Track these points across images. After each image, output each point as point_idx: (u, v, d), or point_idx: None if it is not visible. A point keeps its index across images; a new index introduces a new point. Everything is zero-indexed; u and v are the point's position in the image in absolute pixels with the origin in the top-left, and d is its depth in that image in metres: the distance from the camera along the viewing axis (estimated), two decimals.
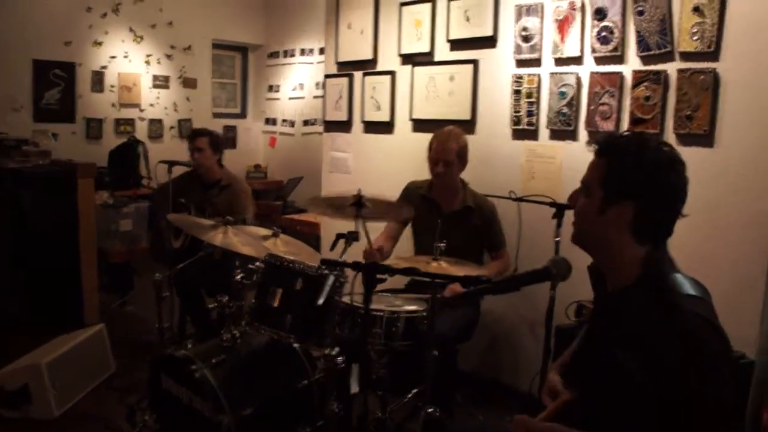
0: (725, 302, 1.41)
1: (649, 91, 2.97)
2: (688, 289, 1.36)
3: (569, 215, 2.73)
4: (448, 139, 3.15)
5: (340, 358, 2.41)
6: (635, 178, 1.40)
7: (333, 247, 2.56)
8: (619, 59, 3.08)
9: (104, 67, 6.37)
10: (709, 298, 1.40)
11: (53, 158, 4.70)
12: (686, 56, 2.86)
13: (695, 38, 2.80)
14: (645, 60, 3.00)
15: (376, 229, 3.23)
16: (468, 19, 3.68)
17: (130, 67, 6.59)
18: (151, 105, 6.81)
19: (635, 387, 1.30)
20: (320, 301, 2.26)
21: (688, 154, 1.59)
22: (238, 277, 2.78)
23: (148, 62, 6.72)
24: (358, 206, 2.51)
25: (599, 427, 1.40)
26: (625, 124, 3.06)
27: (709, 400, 1.25)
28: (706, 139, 2.80)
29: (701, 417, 1.24)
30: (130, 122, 6.64)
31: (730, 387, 1.31)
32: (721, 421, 1.27)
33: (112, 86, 6.46)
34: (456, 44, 3.78)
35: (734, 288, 2.61)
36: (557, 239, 2.77)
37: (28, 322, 3.99)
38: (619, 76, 3.07)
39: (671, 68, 2.91)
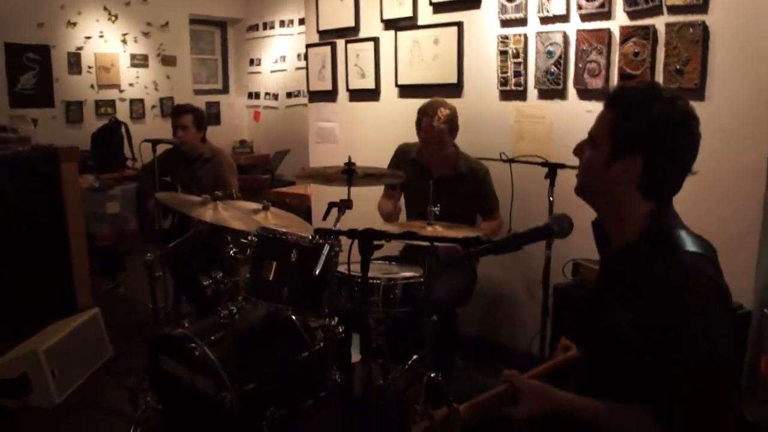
0: (721, 254, 1.40)
1: (637, 47, 2.93)
2: (691, 245, 1.34)
3: (562, 174, 2.76)
4: (437, 121, 3.06)
5: (340, 328, 2.41)
6: (643, 130, 1.36)
7: (326, 216, 2.53)
8: (607, 15, 3.03)
9: (80, 48, 6.24)
10: (714, 254, 1.38)
11: (33, 144, 4.59)
12: (674, 9, 2.81)
13: None
14: (632, 15, 2.95)
15: (367, 195, 3.21)
16: None
17: (107, 47, 6.45)
18: (131, 85, 6.70)
19: (632, 346, 1.29)
20: (317, 271, 2.24)
21: None
22: (231, 252, 2.76)
23: (124, 41, 6.59)
24: (349, 174, 2.49)
25: (601, 386, 1.40)
26: (614, 81, 3.02)
27: (709, 357, 1.24)
28: (697, 93, 2.77)
29: (700, 373, 1.23)
30: (111, 103, 6.53)
31: (730, 343, 1.31)
32: (720, 378, 1.26)
33: (90, 67, 6.33)
34: (439, 7, 3.71)
35: (730, 239, 2.60)
36: (551, 199, 2.76)
37: (20, 312, 3.93)
38: (607, 32, 3.03)
39: (659, 22, 2.86)
